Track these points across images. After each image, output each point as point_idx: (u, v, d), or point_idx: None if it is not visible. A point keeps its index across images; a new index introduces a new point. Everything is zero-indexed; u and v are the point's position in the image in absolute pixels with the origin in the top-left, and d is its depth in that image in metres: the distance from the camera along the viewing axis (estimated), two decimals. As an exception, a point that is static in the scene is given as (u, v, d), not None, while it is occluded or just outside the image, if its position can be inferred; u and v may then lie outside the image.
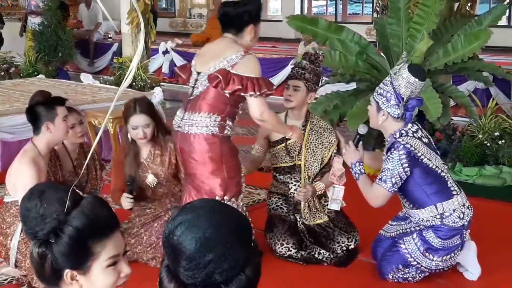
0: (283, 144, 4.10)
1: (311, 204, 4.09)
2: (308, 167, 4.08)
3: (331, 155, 4.07)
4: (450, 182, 3.56)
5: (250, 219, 1.97)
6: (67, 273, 1.61)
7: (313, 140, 4.09)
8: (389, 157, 3.44)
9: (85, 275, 1.63)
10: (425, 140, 3.54)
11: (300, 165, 4.10)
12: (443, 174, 3.53)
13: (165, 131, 4.02)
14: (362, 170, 3.59)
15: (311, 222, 4.08)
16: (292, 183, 4.16)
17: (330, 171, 3.95)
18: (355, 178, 3.62)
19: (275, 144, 4.15)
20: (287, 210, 4.14)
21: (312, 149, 4.07)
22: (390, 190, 3.44)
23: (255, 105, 3.55)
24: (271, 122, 3.67)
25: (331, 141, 4.10)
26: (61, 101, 3.66)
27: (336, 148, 4.10)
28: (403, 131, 3.46)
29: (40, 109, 3.56)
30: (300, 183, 4.11)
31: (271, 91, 3.57)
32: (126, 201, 3.84)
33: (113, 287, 1.67)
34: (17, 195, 3.53)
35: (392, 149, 3.44)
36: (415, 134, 3.48)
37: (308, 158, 4.08)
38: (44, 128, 3.56)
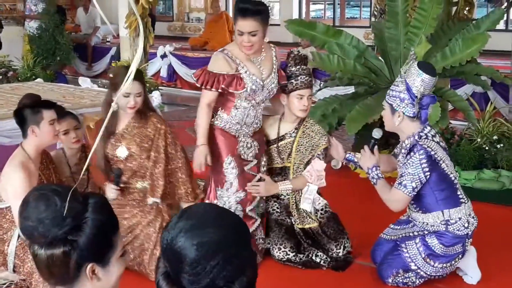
0: (275, 145, 4.11)
1: (299, 206, 4.08)
2: (296, 170, 4.07)
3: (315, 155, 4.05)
4: (460, 190, 3.55)
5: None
6: (89, 267, 1.63)
7: (303, 143, 4.07)
8: (409, 161, 3.40)
9: (104, 267, 1.66)
10: (442, 144, 3.53)
11: (289, 167, 4.09)
12: (456, 181, 3.52)
13: (148, 108, 3.96)
14: (380, 174, 3.56)
15: (301, 225, 4.07)
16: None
17: (307, 168, 3.94)
18: (372, 183, 3.59)
19: (269, 144, 4.15)
20: (282, 213, 4.14)
21: (302, 152, 4.06)
22: (410, 194, 3.42)
23: (201, 94, 3.89)
24: (198, 116, 3.87)
25: (320, 144, 4.07)
26: (48, 105, 3.59)
27: (322, 151, 4.05)
28: (422, 134, 3.44)
29: (26, 112, 3.52)
30: None
31: (199, 85, 3.82)
32: (111, 192, 3.80)
33: (120, 276, 1.72)
34: (8, 200, 3.50)
35: (412, 152, 3.41)
36: (434, 138, 3.46)
37: (297, 160, 4.06)
38: (30, 132, 3.52)
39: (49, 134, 3.54)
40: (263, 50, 3.93)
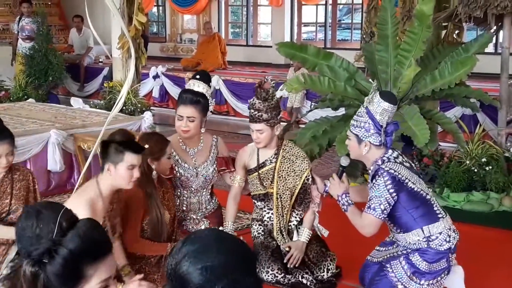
0: (256, 173, 4.12)
1: (283, 231, 4.10)
2: (280, 195, 4.09)
3: (303, 182, 4.07)
4: (436, 205, 3.58)
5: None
6: None
7: (285, 168, 4.09)
8: (374, 185, 3.46)
9: None
10: (407, 164, 3.58)
11: (272, 193, 4.10)
12: (428, 197, 3.56)
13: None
14: (350, 201, 3.60)
15: (286, 248, 4.08)
16: (265, 210, 4.18)
17: (311, 203, 3.98)
18: (343, 210, 3.61)
19: (250, 172, 4.18)
20: (267, 237, 4.16)
21: (284, 177, 4.08)
22: (379, 217, 3.45)
23: None
24: None
25: (303, 168, 4.08)
26: (135, 149, 3.29)
27: (309, 177, 4.07)
28: (384, 158, 3.50)
29: (111, 147, 3.25)
30: (273, 211, 4.12)
31: None
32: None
33: None
34: None
35: (377, 176, 3.47)
36: (396, 160, 3.52)
37: (280, 186, 4.08)
38: (106, 168, 3.26)
39: (123, 178, 3.26)
40: (201, 140, 4.16)
